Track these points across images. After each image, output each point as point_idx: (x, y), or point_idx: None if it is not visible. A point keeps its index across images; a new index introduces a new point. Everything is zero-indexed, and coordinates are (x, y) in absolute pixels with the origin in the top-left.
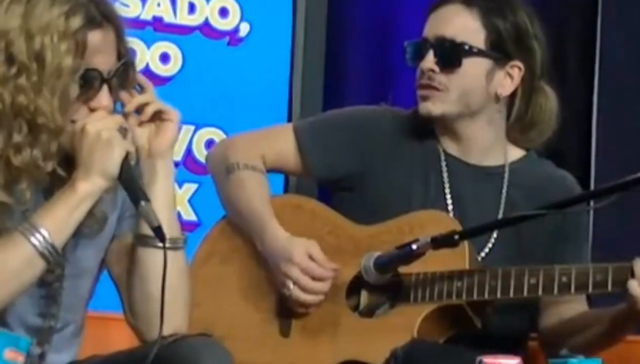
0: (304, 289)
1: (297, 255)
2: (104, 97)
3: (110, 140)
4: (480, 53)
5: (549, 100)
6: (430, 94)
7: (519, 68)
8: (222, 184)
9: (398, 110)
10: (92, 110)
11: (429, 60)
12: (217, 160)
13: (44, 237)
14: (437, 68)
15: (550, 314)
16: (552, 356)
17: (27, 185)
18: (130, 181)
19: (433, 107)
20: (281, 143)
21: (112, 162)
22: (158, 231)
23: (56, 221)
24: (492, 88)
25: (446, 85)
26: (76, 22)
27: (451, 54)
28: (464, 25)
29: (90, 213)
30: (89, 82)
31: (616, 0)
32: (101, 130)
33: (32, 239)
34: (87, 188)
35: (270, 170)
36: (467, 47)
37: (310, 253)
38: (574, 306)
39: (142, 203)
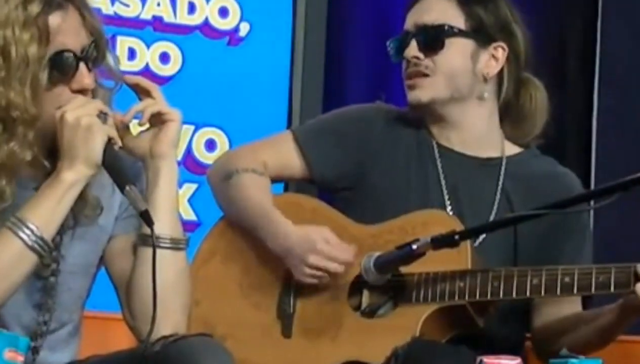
0: (334, 272)
1: (320, 244)
2: (83, 76)
3: (90, 126)
4: (461, 33)
5: (539, 91)
6: (418, 82)
7: (503, 48)
8: (221, 190)
9: (392, 107)
10: (74, 91)
11: (413, 48)
12: (217, 171)
13: (32, 231)
14: (421, 55)
15: (543, 314)
16: (543, 355)
17: (6, 181)
18: (114, 166)
19: (422, 93)
20: (282, 148)
21: (94, 149)
22: (145, 216)
23: (43, 214)
24: (479, 70)
25: (432, 69)
26: (34, 8)
27: (433, 37)
28: (443, 11)
29: (83, 200)
30: (64, 63)
31: (616, 1)
32: (80, 117)
33: (21, 234)
34: (72, 177)
35: (272, 179)
36: (447, 28)
37: (327, 239)
38: (568, 306)
39: (127, 187)
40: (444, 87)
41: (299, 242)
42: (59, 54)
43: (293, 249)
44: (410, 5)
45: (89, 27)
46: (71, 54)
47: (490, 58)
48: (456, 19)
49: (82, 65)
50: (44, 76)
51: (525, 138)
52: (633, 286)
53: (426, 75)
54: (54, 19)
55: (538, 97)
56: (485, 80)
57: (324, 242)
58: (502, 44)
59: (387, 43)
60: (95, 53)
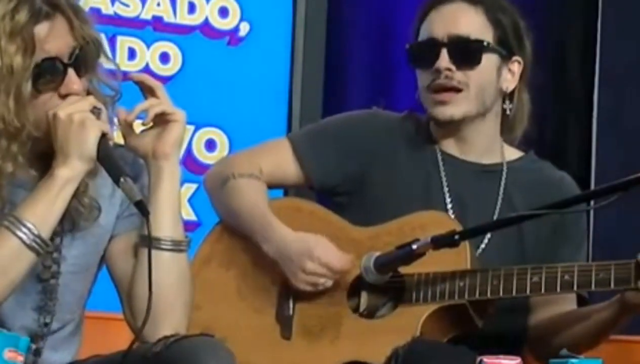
0: (331, 279)
1: (317, 250)
2: (71, 81)
3: (83, 122)
4: (492, 49)
5: (525, 96)
6: (449, 98)
7: (519, 63)
8: (218, 195)
9: (390, 113)
10: (63, 97)
11: (445, 60)
12: (213, 177)
13: (29, 229)
14: (453, 67)
15: (538, 313)
16: (537, 355)
17: None
18: (109, 160)
19: (455, 110)
20: (278, 155)
21: (88, 144)
22: (139, 205)
23: (40, 212)
24: (500, 85)
25: (466, 83)
26: (22, 18)
27: (470, 52)
28: (474, 22)
29: (79, 203)
30: (51, 70)
31: (616, 1)
32: (73, 114)
33: (18, 232)
34: (67, 173)
35: (268, 186)
36: (485, 43)
37: (325, 245)
38: (565, 306)
39: (122, 179)
40: (474, 101)
41: (295, 247)
42: (45, 61)
43: (289, 254)
44: (430, 7)
45: (77, 33)
46: (57, 61)
47: (508, 72)
48: (486, 30)
49: (70, 71)
50: (27, 86)
51: (513, 142)
52: (635, 281)
53: (458, 90)
54: (41, 29)
55: (525, 103)
56: (504, 94)
57: (321, 248)
58: (519, 58)
59: (407, 47)
60: (84, 58)
